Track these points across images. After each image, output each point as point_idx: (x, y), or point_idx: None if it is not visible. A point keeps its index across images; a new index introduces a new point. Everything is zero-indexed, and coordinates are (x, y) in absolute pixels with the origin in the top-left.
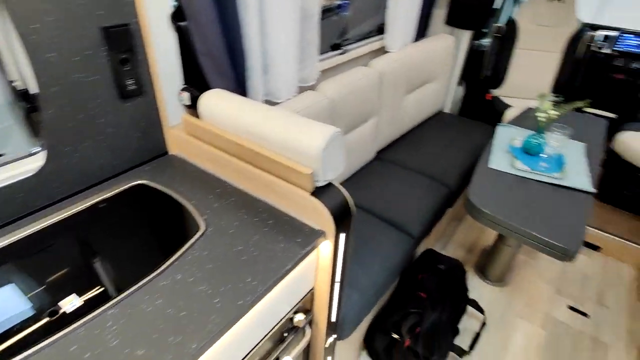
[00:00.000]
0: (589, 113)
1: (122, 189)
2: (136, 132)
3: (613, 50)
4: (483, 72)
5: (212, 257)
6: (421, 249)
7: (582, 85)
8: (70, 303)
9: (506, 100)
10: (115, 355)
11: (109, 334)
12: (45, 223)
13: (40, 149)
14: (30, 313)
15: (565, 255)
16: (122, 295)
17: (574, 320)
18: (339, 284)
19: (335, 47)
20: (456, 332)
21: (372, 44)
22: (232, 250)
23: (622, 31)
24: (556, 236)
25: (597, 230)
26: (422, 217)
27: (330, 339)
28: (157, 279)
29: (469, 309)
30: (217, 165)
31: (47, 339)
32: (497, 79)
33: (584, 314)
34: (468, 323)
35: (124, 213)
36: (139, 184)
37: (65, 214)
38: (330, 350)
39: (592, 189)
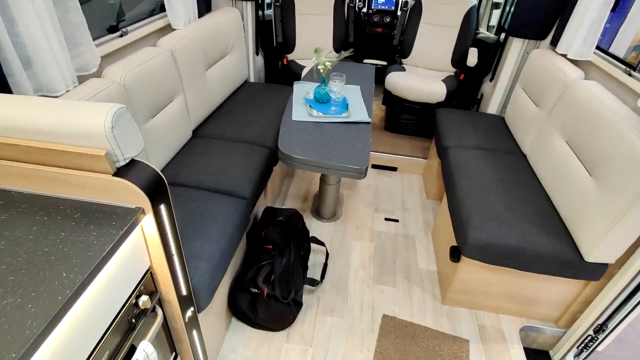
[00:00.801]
0: (369, 64)
1: None
2: None
3: (371, 9)
4: (275, 40)
5: (12, 269)
6: (261, 209)
7: (356, 41)
8: None
9: (300, 62)
10: None
11: None
12: None
13: None
14: None
15: (358, 173)
16: None
17: (390, 227)
18: (176, 256)
19: (113, 29)
20: (306, 268)
21: (155, 22)
22: (37, 255)
23: None
24: (349, 161)
25: (392, 155)
26: (249, 179)
27: (189, 313)
28: None
29: (316, 247)
30: None
31: None
32: (288, 44)
33: (396, 220)
34: (317, 259)
35: None
36: None
37: None
38: (193, 324)
39: (368, 119)
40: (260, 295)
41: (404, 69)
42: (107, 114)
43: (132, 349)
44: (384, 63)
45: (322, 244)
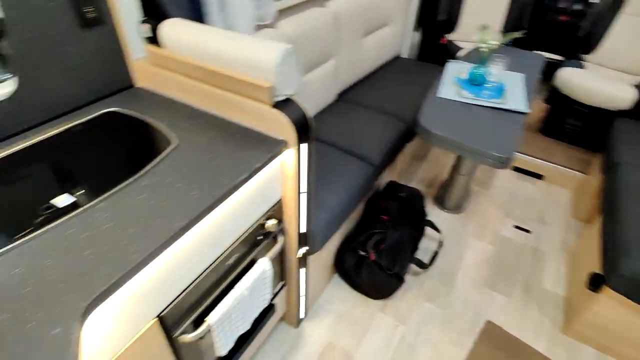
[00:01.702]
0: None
1: (95, 115)
2: (101, 62)
3: None
4: (438, 17)
5: (186, 164)
6: (384, 181)
7: (530, 28)
8: (62, 200)
9: (459, 44)
10: (109, 234)
11: (101, 220)
12: (29, 143)
13: (10, 75)
14: None
15: (501, 162)
16: (108, 194)
17: (518, 236)
18: (305, 194)
19: None
20: (416, 248)
21: None
22: (205, 159)
23: None
24: (492, 147)
25: (540, 161)
26: (381, 148)
27: (302, 250)
28: (138, 181)
29: (430, 233)
30: (183, 92)
31: (44, 227)
32: (451, 23)
33: (527, 231)
34: (428, 244)
35: (100, 135)
36: (110, 111)
37: (44, 136)
38: (303, 261)
39: (527, 110)
40: (367, 259)
41: (582, 67)
42: (277, 51)
43: (253, 263)
44: (560, 58)
45: (438, 230)
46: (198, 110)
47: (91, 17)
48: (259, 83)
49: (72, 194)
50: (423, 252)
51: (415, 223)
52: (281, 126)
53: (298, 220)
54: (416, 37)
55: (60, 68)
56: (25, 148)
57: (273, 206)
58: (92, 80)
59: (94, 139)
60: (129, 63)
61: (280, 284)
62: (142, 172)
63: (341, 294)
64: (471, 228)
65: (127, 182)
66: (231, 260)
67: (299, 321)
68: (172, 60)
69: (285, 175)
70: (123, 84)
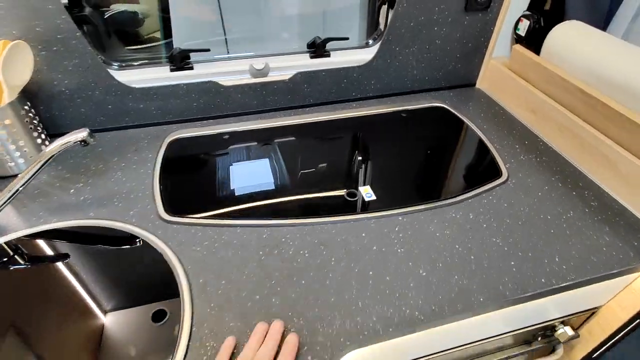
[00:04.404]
0: None
1: (423, 105)
2: (459, 51)
3: None
4: None
5: (511, 213)
6: None
7: None
8: (366, 193)
9: None
10: (398, 264)
11: (396, 239)
12: (351, 114)
13: (373, 42)
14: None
15: None
16: (411, 209)
17: None
18: (633, 325)
19: None
20: None
21: None
22: (538, 217)
23: None
24: None
25: None
26: None
27: None
28: (447, 209)
29: None
30: (534, 114)
31: (345, 215)
32: None
33: None
34: None
35: (422, 129)
36: (439, 107)
37: (371, 112)
38: None
39: None
40: None
41: None
42: None
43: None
44: None
45: None
46: (543, 144)
47: (480, 2)
48: None
49: (375, 191)
50: None
51: None
52: None
53: (602, 345)
54: None
55: (420, 49)
56: (356, 117)
57: (580, 312)
58: (439, 68)
59: (415, 130)
60: (486, 59)
61: None
62: (456, 198)
63: None
64: None
65: (434, 204)
66: (491, 346)
67: None
68: (542, 72)
69: (632, 288)
70: (464, 81)
